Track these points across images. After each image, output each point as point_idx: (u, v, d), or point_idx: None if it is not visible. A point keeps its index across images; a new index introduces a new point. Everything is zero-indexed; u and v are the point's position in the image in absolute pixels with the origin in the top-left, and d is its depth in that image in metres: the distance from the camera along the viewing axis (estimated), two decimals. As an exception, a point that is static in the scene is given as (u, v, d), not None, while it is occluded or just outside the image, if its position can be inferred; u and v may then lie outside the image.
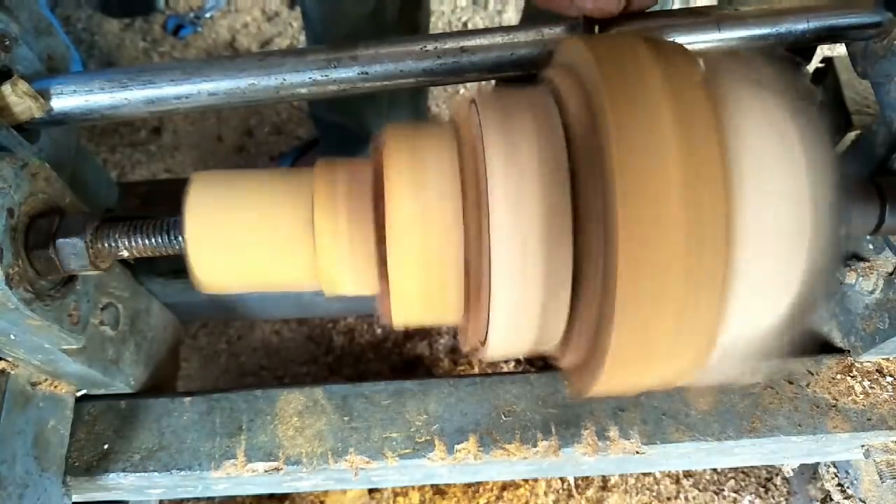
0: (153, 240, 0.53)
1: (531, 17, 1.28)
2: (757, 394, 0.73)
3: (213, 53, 1.75)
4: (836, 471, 0.93)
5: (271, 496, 1.15)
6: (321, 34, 1.15)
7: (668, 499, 1.15)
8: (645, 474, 1.16)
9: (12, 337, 0.57)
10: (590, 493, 1.14)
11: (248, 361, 1.32)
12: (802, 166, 0.43)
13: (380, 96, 1.23)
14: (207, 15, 1.80)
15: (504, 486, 1.14)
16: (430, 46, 0.57)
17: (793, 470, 1.15)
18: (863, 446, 0.75)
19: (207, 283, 0.51)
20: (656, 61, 0.44)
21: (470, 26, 1.79)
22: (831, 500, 1.02)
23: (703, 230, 0.39)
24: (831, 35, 0.58)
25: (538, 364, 1.22)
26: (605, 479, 1.16)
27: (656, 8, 0.57)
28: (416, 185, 0.46)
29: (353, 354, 1.31)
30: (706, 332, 0.42)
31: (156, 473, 0.72)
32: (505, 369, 1.24)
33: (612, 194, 0.39)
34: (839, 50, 1.24)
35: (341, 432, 0.73)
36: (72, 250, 0.53)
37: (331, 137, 1.41)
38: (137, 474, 0.72)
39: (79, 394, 0.75)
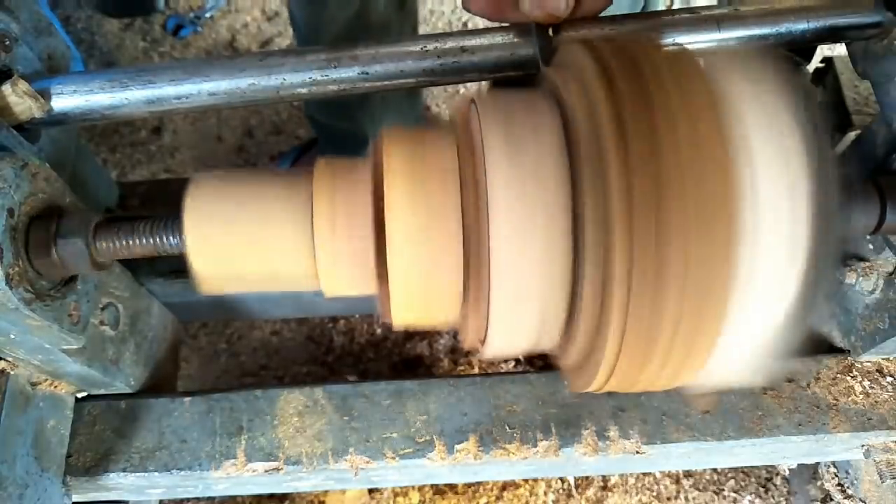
0: (153, 240, 0.53)
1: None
2: (757, 394, 0.73)
3: (213, 53, 1.75)
4: (836, 471, 0.93)
5: (271, 496, 1.15)
6: (308, 38, 1.15)
7: (668, 499, 1.15)
8: (645, 474, 1.16)
9: (12, 337, 0.57)
10: (590, 493, 1.14)
11: (248, 361, 1.32)
12: (803, 166, 0.43)
13: (373, 101, 1.23)
14: (207, 15, 1.80)
15: (504, 486, 1.14)
16: (430, 46, 0.57)
17: (790, 469, 1.15)
18: (863, 446, 0.75)
19: (207, 284, 0.51)
20: (657, 62, 0.44)
21: (470, 26, 1.79)
22: (831, 500, 1.02)
23: (703, 231, 0.39)
24: (831, 35, 0.58)
25: (538, 364, 1.22)
26: (605, 479, 1.16)
27: (654, 8, 0.57)
28: (416, 184, 0.46)
29: (353, 354, 1.31)
30: (706, 333, 0.42)
31: (156, 473, 0.72)
32: (505, 369, 1.24)
33: (611, 195, 0.39)
34: (839, 50, 1.24)
35: (341, 432, 0.73)
36: (72, 250, 0.53)
37: (328, 139, 1.41)
38: (137, 474, 0.72)
39: (80, 395, 0.75)
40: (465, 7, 0.56)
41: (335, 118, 1.28)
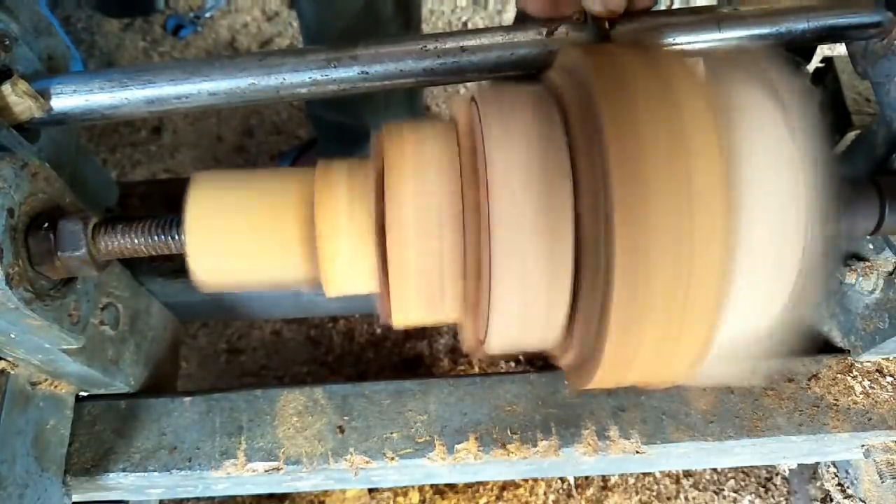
0: (153, 239, 0.53)
1: (524, 18, 1.28)
2: (757, 394, 0.73)
3: (213, 53, 1.75)
4: (836, 471, 0.94)
5: (271, 496, 1.15)
6: (316, 31, 1.16)
7: (668, 499, 1.15)
8: (645, 474, 1.17)
9: (12, 337, 0.57)
10: (590, 493, 1.14)
11: (248, 361, 1.32)
12: (801, 166, 0.43)
13: (376, 95, 1.23)
14: (207, 15, 1.80)
15: (504, 486, 1.14)
16: (430, 46, 0.57)
17: (790, 469, 1.15)
18: (863, 446, 0.75)
19: (207, 282, 0.51)
20: (654, 63, 0.44)
21: (470, 26, 1.79)
22: (831, 500, 1.02)
23: (702, 229, 0.39)
24: (831, 35, 0.58)
25: (538, 364, 1.22)
26: (605, 479, 1.16)
27: (654, 8, 0.57)
28: (417, 183, 0.46)
29: (353, 354, 1.31)
30: (705, 330, 0.42)
31: (156, 473, 0.72)
32: (505, 369, 1.24)
33: (610, 194, 0.39)
34: (839, 50, 1.24)
35: (341, 432, 0.73)
36: (72, 250, 0.53)
37: (329, 135, 1.41)
38: (137, 474, 0.72)
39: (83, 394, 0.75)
40: (521, 6, 0.56)
41: (338, 114, 1.29)
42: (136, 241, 0.53)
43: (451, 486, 1.13)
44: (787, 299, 0.44)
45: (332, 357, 1.31)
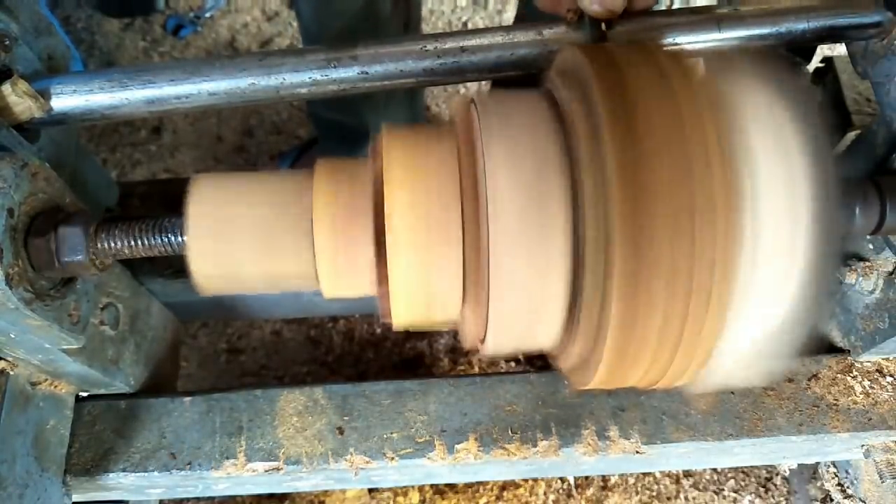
0: (153, 240, 0.53)
1: (524, 18, 1.28)
2: (757, 394, 0.73)
3: (213, 53, 1.75)
4: (836, 471, 0.93)
5: (271, 496, 1.15)
6: (315, 31, 1.16)
7: (668, 499, 1.15)
8: (645, 474, 1.17)
9: (12, 337, 0.57)
10: (590, 493, 1.14)
11: (248, 361, 1.32)
12: (802, 166, 0.43)
13: (376, 95, 1.23)
14: (207, 15, 1.80)
15: (504, 486, 1.14)
16: (430, 46, 0.57)
17: (790, 469, 1.15)
18: (863, 446, 0.75)
19: (207, 284, 0.51)
20: (654, 63, 0.44)
21: (470, 26, 1.79)
22: (831, 500, 1.02)
23: (703, 230, 0.39)
24: (831, 35, 0.58)
25: (538, 364, 1.22)
26: (605, 479, 1.16)
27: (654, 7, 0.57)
28: (416, 185, 0.46)
29: (353, 354, 1.31)
30: (709, 332, 0.42)
31: (156, 473, 0.72)
32: (505, 369, 1.24)
33: (610, 196, 0.39)
34: (839, 50, 1.24)
35: (341, 432, 0.73)
36: (72, 250, 0.53)
37: (329, 135, 1.41)
38: (137, 474, 0.72)
39: (84, 394, 0.75)
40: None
41: (338, 113, 1.29)
42: (136, 242, 0.53)
43: (451, 486, 1.13)
44: (792, 300, 0.44)
45: (332, 357, 1.31)
